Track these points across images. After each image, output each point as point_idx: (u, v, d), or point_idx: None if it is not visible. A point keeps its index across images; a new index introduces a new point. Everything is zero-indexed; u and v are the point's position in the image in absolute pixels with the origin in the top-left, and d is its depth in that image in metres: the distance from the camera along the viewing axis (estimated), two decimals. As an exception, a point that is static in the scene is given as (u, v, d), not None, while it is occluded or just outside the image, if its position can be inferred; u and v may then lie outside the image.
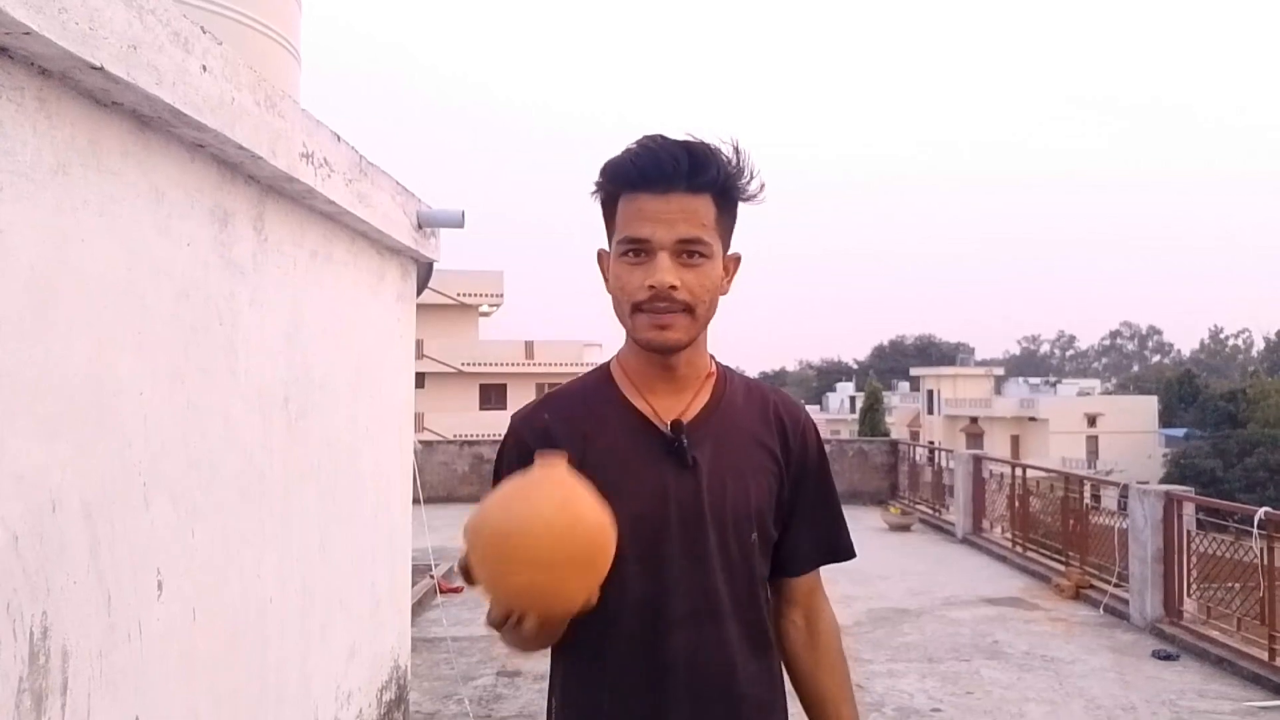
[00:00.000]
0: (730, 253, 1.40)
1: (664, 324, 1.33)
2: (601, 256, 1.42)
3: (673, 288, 1.30)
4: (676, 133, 1.36)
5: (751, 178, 1.37)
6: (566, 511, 1.12)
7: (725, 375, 1.48)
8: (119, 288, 2.08)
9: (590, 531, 1.14)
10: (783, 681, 1.46)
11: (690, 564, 1.36)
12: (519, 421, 1.47)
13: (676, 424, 1.38)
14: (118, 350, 2.08)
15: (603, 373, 1.47)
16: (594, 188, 1.38)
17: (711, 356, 1.48)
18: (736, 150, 1.35)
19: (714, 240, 1.34)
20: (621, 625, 1.34)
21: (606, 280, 1.40)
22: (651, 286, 1.30)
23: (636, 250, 1.32)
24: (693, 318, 1.34)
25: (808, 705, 1.50)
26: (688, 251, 1.31)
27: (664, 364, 1.39)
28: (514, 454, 1.43)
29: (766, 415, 1.46)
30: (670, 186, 1.30)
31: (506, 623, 1.16)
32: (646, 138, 1.35)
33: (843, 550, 1.53)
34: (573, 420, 1.42)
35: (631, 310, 1.34)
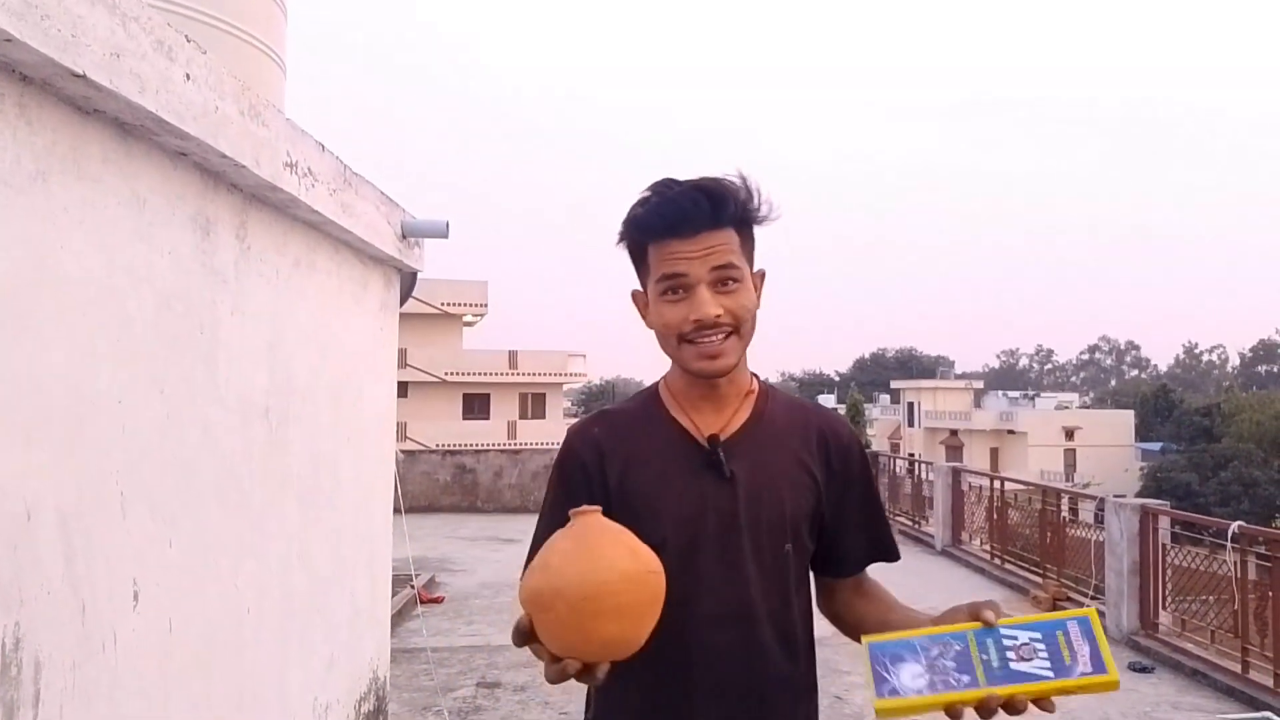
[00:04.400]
0: (755, 270, 1.49)
1: (713, 353, 1.42)
2: (636, 297, 1.51)
3: (718, 316, 1.39)
4: (683, 174, 1.46)
5: (763, 202, 1.46)
6: (637, 560, 1.19)
7: (768, 393, 1.56)
8: (98, 295, 2.07)
9: (656, 574, 1.21)
10: (815, 689, 1.52)
11: (724, 568, 1.43)
12: (574, 434, 1.56)
13: (714, 438, 1.47)
14: (96, 358, 2.06)
15: (651, 392, 1.57)
16: (619, 238, 1.48)
17: (754, 375, 1.56)
18: (745, 180, 1.44)
19: (742, 264, 1.43)
20: (654, 630, 1.39)
21: (644, 318, 1.50)
22: (696, 320, 1.39)
23: (674, 287, 1.40)
24: (739, 337, 1.44)
25: (872, 623, 1.51)
26: (722, 280, 1.40)
27: (708, 384, 1.48)
28: (570, 463, 1.53)
29: (808, 434, 1.53)
30: (697, 228, 1.39)
31: (575, 675, 1.20)
32: (661, 185, 1.44)
33: (888, 550, 1.62)
34: (620, 434, 1.51)
35: (678, 343, 1.43)
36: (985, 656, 1.23)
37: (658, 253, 1.42)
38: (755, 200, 1.44)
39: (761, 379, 1.58)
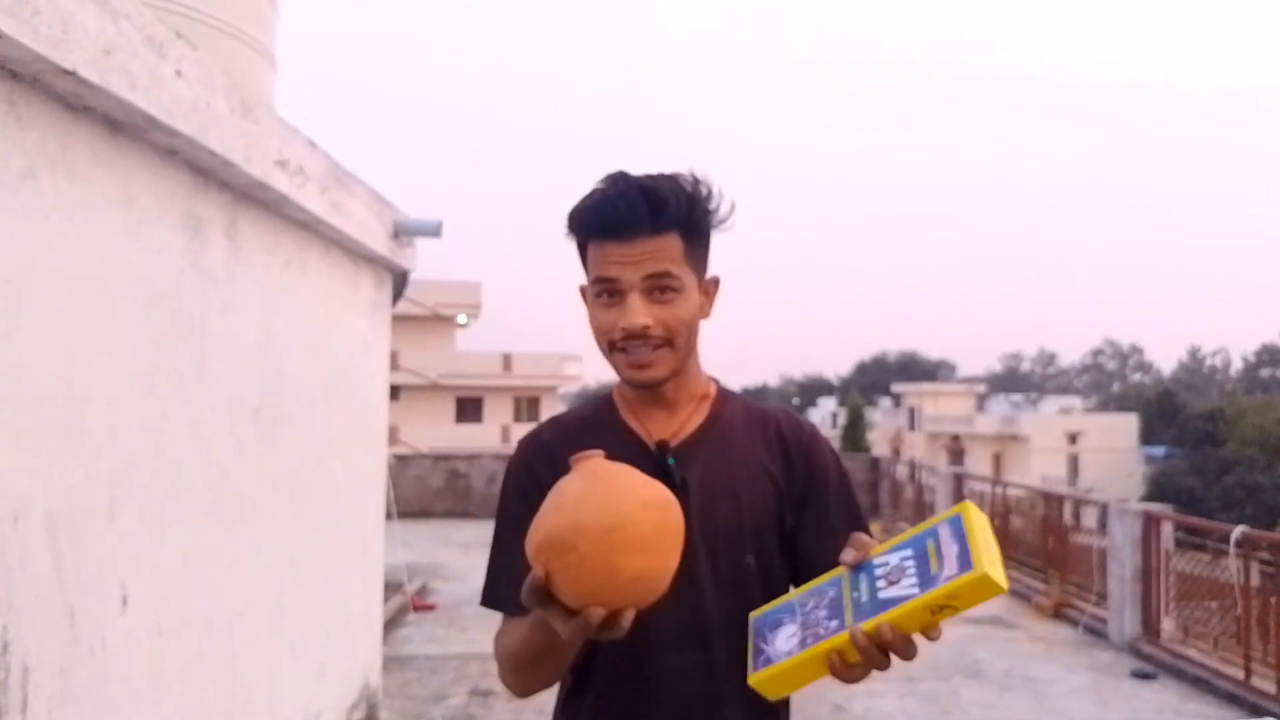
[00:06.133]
0: (708, 277, 1.41)
1: (642, 362, 1.34)
2: (582, 291, 1.43)
3: (645, 327, 1.32)
4: (641, 167, 1.37)
5: (716, 206, 1.37)
6: (654, 488, 1.12)
7: (724, 397, 1.48)
8: (88, 295, 2.05)
9: (675, 503, 1.14)
10: (775, 709, 1.43)
11: (679, 584, 1.30)
12: (525, 442, 1.49)
13: (663, 444, 1.39)
14: (86, 358, 2.04)
15: (606, 397, 1.50)
16: (566, 231, 1.40)
17: (712, 380, 1.49)
18: (696, 180, 1.35)
19: (684, 273, 1.34)
20: (612, 647, 1.30)
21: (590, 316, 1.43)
22: (624, 329, 1.32)
23: (609, 291, 1.33)
24: (672, 349, 1.35)
25: None
26: (658, 288, 1.32)
27: (654, 391, 1.41)
28: (521, 471, 1.45)
29: (767, 436, 1.45)
30: (633, 233, 1.31)
31: (595, 629, 1.10)
32: (607, 181, 1.36)
33: None
34: (572, 439, 1.42)
35: (609, 349, 1.36)
36: (856, 593, 1.10)
37: (595, 253, 1.34)
38: (705, 204, 1.36)
39: (720, 383, 1.49)
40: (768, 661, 1.13)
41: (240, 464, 2.81)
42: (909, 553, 1.09)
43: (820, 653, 1.08)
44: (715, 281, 1.42)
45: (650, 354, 1.33)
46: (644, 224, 1.30)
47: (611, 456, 1.36)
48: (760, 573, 1.39)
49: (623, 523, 1.06)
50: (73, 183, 1.99)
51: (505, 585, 1.38)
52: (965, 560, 1.02)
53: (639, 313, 1.31)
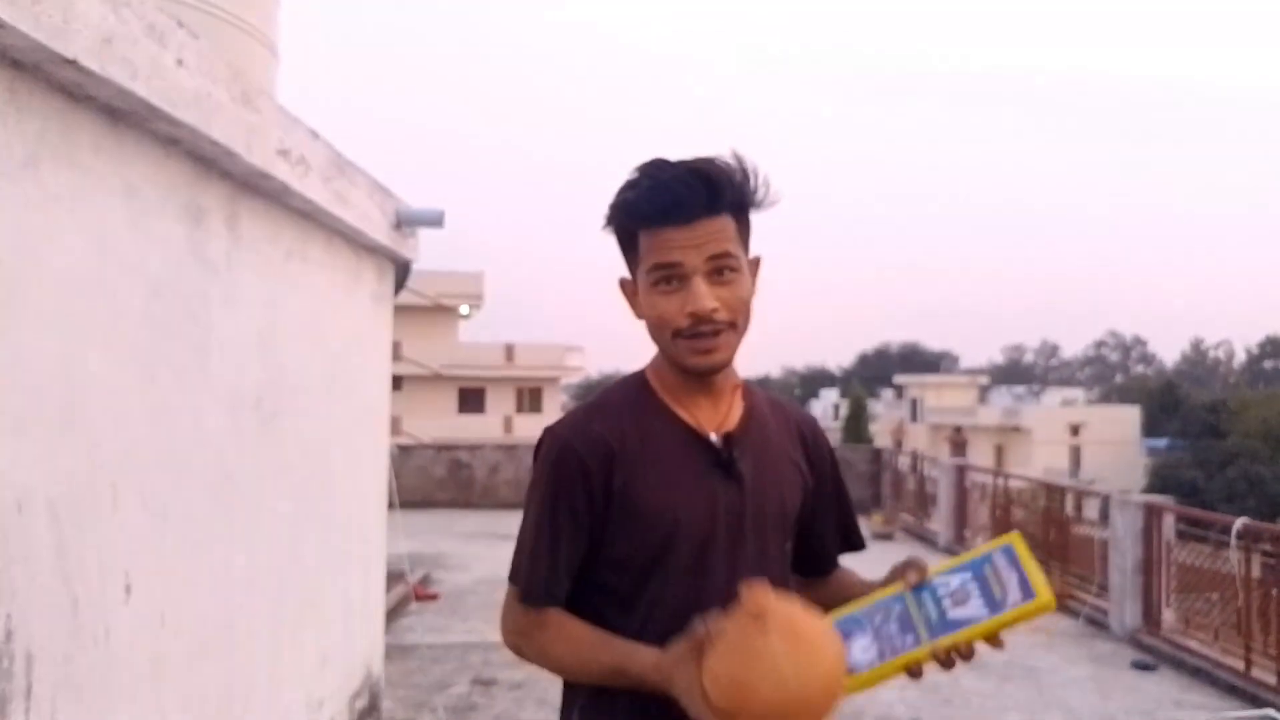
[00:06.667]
0: (750, 257, 1.42)
1: (709, 348, 1.35)
2: (624, 284, 1.43)
3: (714, 310, 1.32)
4: (675, 154, 1.37)
5: (759, 186, 1.38)
6: (836, 637, 1.23)
7: (749, 387, 1.51)
8: (89, 284, 2.05)
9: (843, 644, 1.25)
10: None
11: (730, 573, 1.37)
12: (568, 433, 1.41)
13: (728, 436, 1.41)
14: (87, 348, 2.05)
15: (640, 383, 1.46)
16: (606, 223, 1.39)
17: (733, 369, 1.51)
18: (741, 161, 1.36)
19: (739, 252, 1.36)
20: (657, 631, 1.33)
21: (633, 307, 1.42)
22: (692, 313, 1.32)
23: (668, 277, 1.33)
24: (735, 331, 1.37)
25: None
26: (718, 269, 1.33)
27: (701, 378, 1.41)
28: (572, 466, 1.38)
29: (790, 427, 1.51)
30: (692, 215, 1.31)
31: None
32: (652, 167, 1.35)
33: (857, 540, 1.61)
34: (625, 431, 1.40)
35: (672, 337, 1.36)
36: (925, 611, 1.25)
37: (650, 240, 1.33)
38: (752, 184, 1.36)
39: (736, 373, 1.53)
40: (849, 670, 1.24)
41: (241, 454, 2.82)
42: (968, 576, 1.26)
43: (900, 664, 1.24)
44: (757, 261, 1.43)
45: (715, 339, 1.34)
46: (702, 206, 1.31)
47: (669, 449, 1.39)
48: (788, 556, 1.47)
49: (837, 692, 1.19)
50: (74, 173, 1.99)
51: (548, 581, 1.37)
52: (1027, 588, 1.20)
53: (706, 295, 1.31)
